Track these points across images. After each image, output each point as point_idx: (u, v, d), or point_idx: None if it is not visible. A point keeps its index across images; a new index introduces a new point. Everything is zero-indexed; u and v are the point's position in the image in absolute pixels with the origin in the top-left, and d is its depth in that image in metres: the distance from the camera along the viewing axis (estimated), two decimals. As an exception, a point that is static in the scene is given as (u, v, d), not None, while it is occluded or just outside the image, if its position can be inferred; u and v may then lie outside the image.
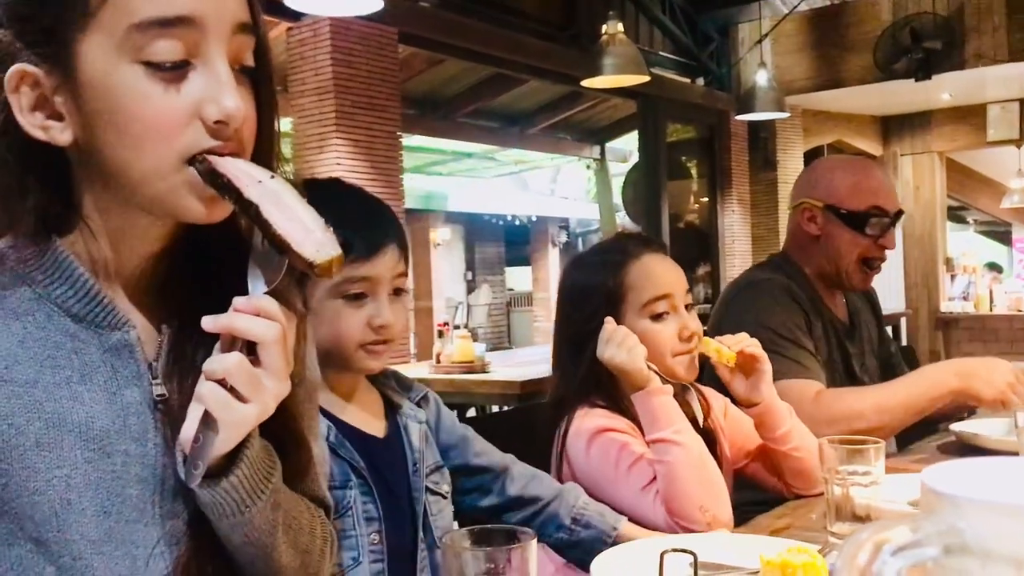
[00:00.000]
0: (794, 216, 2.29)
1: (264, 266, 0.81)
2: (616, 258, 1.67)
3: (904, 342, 8.47)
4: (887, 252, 2.22)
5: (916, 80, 7.09)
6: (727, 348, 1.64)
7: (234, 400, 0.78)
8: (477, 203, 15.06)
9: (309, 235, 0.78)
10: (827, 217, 2.19)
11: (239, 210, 0.79)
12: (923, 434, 2.19)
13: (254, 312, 0.79)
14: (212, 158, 0.80)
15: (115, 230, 0.85)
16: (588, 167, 11.82)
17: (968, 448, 1.92)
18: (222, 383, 0.78)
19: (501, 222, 16.89)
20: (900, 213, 2.22)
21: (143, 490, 0.84)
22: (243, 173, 0.80)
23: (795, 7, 7.43)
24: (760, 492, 1.75)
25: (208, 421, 0.78)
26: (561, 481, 1.58)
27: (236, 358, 0.78)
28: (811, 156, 8.25)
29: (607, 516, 1.47)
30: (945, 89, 8.02)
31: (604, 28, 4.94)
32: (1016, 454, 1.59)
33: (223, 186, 0.79)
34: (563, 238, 17.22)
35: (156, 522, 0.85)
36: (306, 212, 0.79)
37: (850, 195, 2.18)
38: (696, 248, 7.85)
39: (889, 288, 9.26)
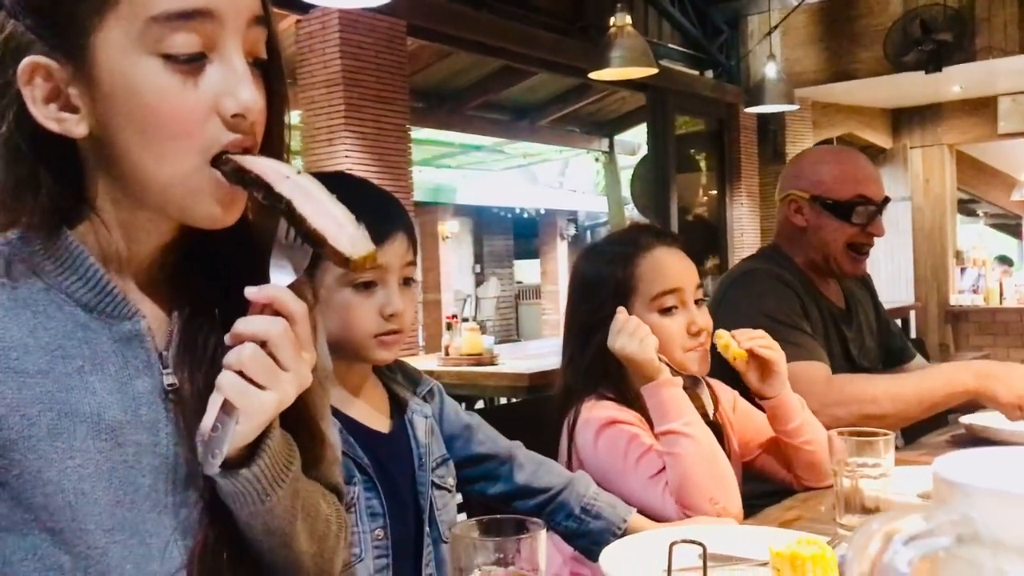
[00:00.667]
0: (781, 208, 2.29)
1: (289, 258, 0.82)
2: (627, 250, 1.66)
3: (913, 335, 8.44)
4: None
5: (926, 72, 7.06)
6: (736, 344, 1.63)
7: (252, 387, 0.78)
8: (486, 196, 15.06)
9: (342, 230, 0.78)
10: (813, 208, 2.20)
11: (269, 205, 0.79)
12: (932, 427, 2.18)
13: (267, 300, 0.80)
14: (236, 156, 0.80)
15: (126, 221, 0.85)
16: (597, 160, 11.82)
17: (978, 441, 1.91)
18: (241, 373, 0.78)
19: (510, 215, 16.88)
20: (886, 200, 2.22)
21: (155, 479, 0.84)
22: (270, 169, 0.80)
23: (804, -1, 7.41)
24: (769, 484, 1.75)
25: (228, 409, 0.79)
26: (570, 471, 1.58)
27: (251, 348, 0.78)
28: (820, 149, 8.21)
29: (618, 508, 1.46)
30: (955, 81, 7.98)
31: (613, 20, 4.93)
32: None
33: (251, 182, 0.79)
34: (571, 231, 17.21)
35: (169, 511, 0.85)
36: (336, 207, 0.80)
37: (835, 185, 2.18)
38: (705, 241, 7.83)
39: (898, 281, 9.23)
